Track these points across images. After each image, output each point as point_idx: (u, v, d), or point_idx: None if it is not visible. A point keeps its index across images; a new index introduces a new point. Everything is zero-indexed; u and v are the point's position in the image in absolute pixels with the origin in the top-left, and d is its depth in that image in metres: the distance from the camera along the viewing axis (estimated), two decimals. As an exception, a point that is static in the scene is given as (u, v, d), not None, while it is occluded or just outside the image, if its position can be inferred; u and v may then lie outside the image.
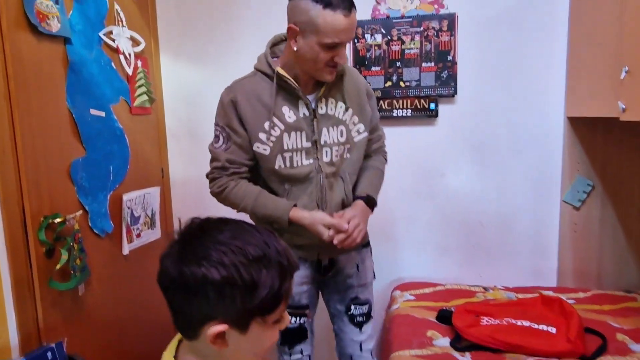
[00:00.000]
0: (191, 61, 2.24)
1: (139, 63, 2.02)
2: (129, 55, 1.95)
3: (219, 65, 2.22)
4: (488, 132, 2.06)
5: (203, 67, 2.24)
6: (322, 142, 1.40)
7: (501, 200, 2.06)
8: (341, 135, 1.43)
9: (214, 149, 1.44)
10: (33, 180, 1.45)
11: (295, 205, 1.39)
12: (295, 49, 1.30)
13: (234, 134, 1.39)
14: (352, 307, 1.56)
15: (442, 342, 1.57)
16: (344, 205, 1.46)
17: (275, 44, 1.46)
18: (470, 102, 2.05)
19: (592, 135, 1.93)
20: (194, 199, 2.34)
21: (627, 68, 1.36)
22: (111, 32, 1.83)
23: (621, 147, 1.92)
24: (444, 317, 1.71)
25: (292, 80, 1.34)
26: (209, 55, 2.22)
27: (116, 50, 1.88)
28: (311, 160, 1.41)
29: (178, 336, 0.83)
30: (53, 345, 1.39)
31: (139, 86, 2.01)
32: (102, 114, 1.77)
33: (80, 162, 1.66)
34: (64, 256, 1.48)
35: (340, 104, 1.42)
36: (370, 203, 1.46)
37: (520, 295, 1.85)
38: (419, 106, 2.06)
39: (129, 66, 1.94)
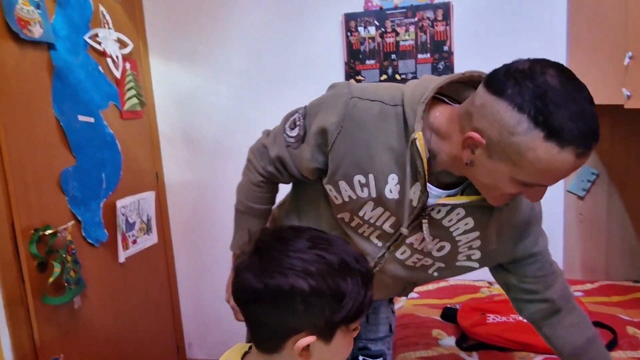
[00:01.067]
0: (182, 62, 2.19)
1: (128, 66, 1.97)
2: (117, 58, 1.90)
3: (211, 66, 2.17)
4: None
5: (194, 68, 2.19)
6: (409, 242, 0.96)
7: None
8: (439, 250, 0.97)
9: (278, 131, 1.02)
10: (22, 192, 1.41)
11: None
12: (466, 160, 0.79)
13: (309, 142, 0.95)
14: (360, 357, 1.28)
15: (448, 341, 1.54)
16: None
17: (451, 82, 0.87)
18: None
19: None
20: (191, 202, 2.31)
21: (631, 54, 1.31)
22: (97, 35, 1.78)
23: (627, 134, 1.87)
24: (449, 315, 1.68)
25: (424, 160, 0.83)
26: (200, 55, 2.17)
27: (103, 54, 1.83)
28: (380, 244, 0.99)
29: (239, 348, 0.80)
30: (48, 362, 1.35)
31: (129, 89, 1.97)
32: (91, 120, 1.73)
33: (71, 171, 1.61)
34: (57, 269, 1.44)
35: (469, 221, 0.92)
36: None
37: (527, 290, 1.81)
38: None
39: (117, 69, 1.90)
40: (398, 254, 1.00)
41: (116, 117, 1.90)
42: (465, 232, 0.94)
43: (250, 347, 0.79)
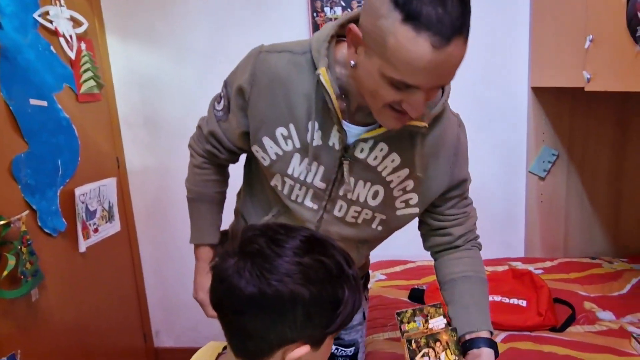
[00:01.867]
0: (141, 41, 2.10)
1: (83, 46, 1.87)
2: (70, 37, 1.79)
3: (173, 45, 2.08)
4: (454, 107, 2.02)
5: (155, 48, 2.10)
6: (341, 193, 0.95)
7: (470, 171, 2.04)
8: (374, 198, 0.95)
9: (209, 109, 1.05)
10: (-32, 181, 1.32)
11: (211, 247, 1.13)
12: (352, 62, 0.79)
13: (234, 105, 0.96)
14: (334, 347, 1.27)
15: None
16: None
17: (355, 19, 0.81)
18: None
19: (558, 104, 1.92)
20: (155, 188, 2.24)
21: (591, 37, 1.33)
22: (48, 13, 1.67)
23: (587, 116, 1.92)
24: (416, 295, 1.70)
25: (332, 95, 0.83)
26: (160, 34, 2.08)
27: (55, 33, 1.72)
28: (316, 206, 0.97)
29: (211, 348, 0.76)
30: (4, 359, 1.29)
31: (85, 71, 1.87)
32: (44, 103, 1.64)
33: (23, 158, 1.53)
34: (11, 262, 1.37)
35: (395, 157, 0.91)
36: (495, 345, 0.96)
37: (490, 268, 1.85)
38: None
39: (71, 50, 1.79)
40: (336, 212, 0.97)
41: (72, 100, 1.81)
42: (394, 170, 0.92)
43: (224, 348, 0.76)
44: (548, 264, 1.91)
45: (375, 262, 2.05)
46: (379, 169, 0.92)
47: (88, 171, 1.87)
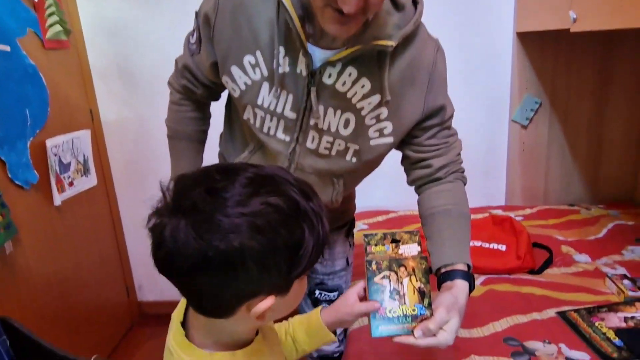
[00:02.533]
0: (110, -15, 1.97)
1: (46, -12, 1.75)
2: (32, -22, 1.67)
3: (143, -11, 1.97)
4: (437, 53, 1.98)
5: (125, -8, 1.98)
6: (312, 123, 0.91)
7: (454, 122, 2.01)
8: (346, 127, 0.91)
9: (184, 44, 1.04)
10: None
11: None
12: None
13: (203, 36, 0.95)
14: (317, 291, 1.26)
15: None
16: None
17: None
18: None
19: (542, 51, 1.89)
20: (132, 142, 2.17)
21: (579, -26, 1.29)
22: (5, -50, 1.55)
23: (570, 64, 1.90)
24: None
25: (293, 16, 0.81)
26: (129, -23, 1.96)
27: (14, -27, 1.60)
28: (288, 138, 0.94)
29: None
30: (-19, 309, 1.27)
31: (50, 15, 1.76)
32: (7, 48, 1.54)
33: (-13, 107, 1.45)
34: (-19, 213, 1.32)
35: (365, 82, 0.87)
36: (472, 279, 0.93)
37: (472, 216, 1.87)
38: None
39: (34, -8, 1.68)
40: (308, 143, 0.94)
41: (37, 46, 1.71)
42: (365, 96, 0.88)
43: None
44: (528, 211, 1.93)
45: (358, 213, 2.04)
46: (349, 95, 0.88)
47: (59, 123, 1.80)
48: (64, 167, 1.81)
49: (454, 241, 0.95)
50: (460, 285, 0.88)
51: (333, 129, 0.91)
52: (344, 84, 0.87)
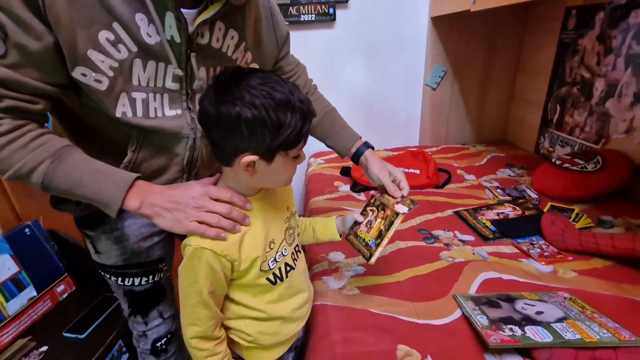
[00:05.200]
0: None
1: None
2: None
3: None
4: (375, 35, 1.90)
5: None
6: (197, 87, 0.67)
7: (384, 87, 1.98)
8: None
9: None
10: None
11: (139, 178, 0.64)
12: None
13: (19, 29, 0.52)
14: None
15: (344, 188, 1.59)
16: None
17: None
18: (359, 9, 1.84)
19: (449, 31, 1.86)
20: None
21: (477, -33, 1.24)
22: None
23: (468, 40, 1.88)
24: (345, 171, 1.72)
25: None
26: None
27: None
28: (179, 111, 0.67)
29: None
30: (30, 222, 1.17)
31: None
32: None
33: None
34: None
35: (233, 33, 0.69)
36: (370, 145, 0.92)
37: (395, 153, 1.89)
38: (320, 11, 1.82)
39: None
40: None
41: None
42: (236, 47, 0.70)
43: None
44: (434, 148, 1.97)
45: (318, 153, 2.04)
46: (224, 49, 0.69)
47: None
48: None
49: (343, 129, 0.93)
50: (369, 152, 0.88)
51: None
52: (217, 40, 0.67)
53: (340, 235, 0.85)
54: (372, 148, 0.91)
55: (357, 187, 1.55)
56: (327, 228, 0.85)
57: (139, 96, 0.62)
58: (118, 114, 0.61)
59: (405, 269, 0.99)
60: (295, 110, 0.59)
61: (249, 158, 0.61)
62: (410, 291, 0.91)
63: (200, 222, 0.62)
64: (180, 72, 0.64)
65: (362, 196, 1.49)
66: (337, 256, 1.08)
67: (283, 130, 0.59)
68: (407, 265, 1.00)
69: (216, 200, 0.64)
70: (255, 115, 0.57)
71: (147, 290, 0.81)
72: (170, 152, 0.70)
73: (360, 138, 0.93)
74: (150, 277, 0.81)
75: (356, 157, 0.90)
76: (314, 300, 0.89)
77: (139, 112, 0.63)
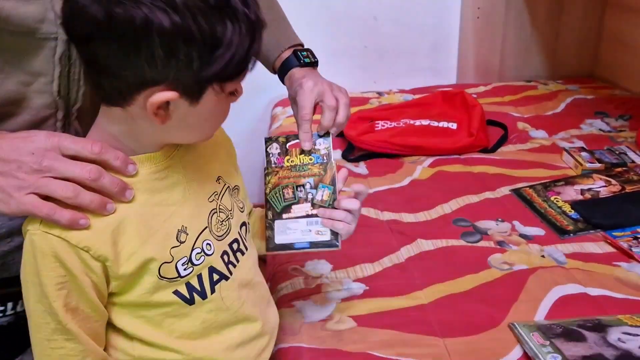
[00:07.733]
0: None
1: None
2: None
3: None
4: None
5: None
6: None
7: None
8: None
9: None
10: None
11: None
12: None
13: None
14: None
15: (334, 155, 1.53)
16: None
17: None
18: None
19: None
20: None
21: None
22: None
23: None
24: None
25: None
26: None
27: None
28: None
29: None
30: None
31: None
32: None
33: None
34: None
35: None
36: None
37: (417, 96, 1.86)
38: None
39: None
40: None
41: None
42: None
43: None
44: (482, 88, 1.95)
45: (285, 98, 1.97)
46: None
47: None
48: None
49: (274, 27, 0.92)
50: (307, 72, 0.90)
51: None
52: None
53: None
54: (314, 62, 0.93)
55: (352, 152, 1.53)
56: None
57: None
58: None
59: (433, 284, 1.00)
60: (238, 18, 0.57)
61: (163, 95, 0.58)
62: (441, 320, 0.92)
63: (43, 197, 0.59)
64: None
65: (361, 168, 1.46)
66: (318, 267, 1.07)
67: (221, 50, 0.57)
68: (436, 278, 1.01)
69: (73, 158, 0.60)
70: (177, 23, 0.54)
71: (6, 326, 0.80)
72: (25, 69, 0.68)
73: (301, 45, 0.94)
74: (10, 305, 0.79)
75: (284, 78, 0.93)
76: (280, 340, 0.88)
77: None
